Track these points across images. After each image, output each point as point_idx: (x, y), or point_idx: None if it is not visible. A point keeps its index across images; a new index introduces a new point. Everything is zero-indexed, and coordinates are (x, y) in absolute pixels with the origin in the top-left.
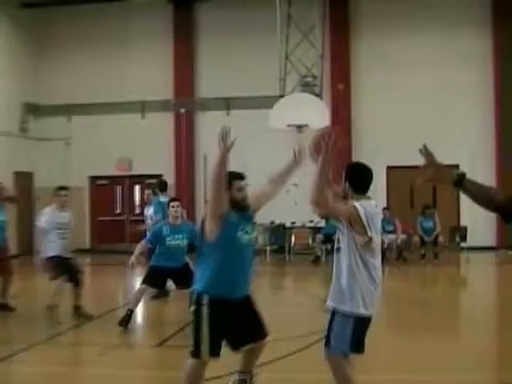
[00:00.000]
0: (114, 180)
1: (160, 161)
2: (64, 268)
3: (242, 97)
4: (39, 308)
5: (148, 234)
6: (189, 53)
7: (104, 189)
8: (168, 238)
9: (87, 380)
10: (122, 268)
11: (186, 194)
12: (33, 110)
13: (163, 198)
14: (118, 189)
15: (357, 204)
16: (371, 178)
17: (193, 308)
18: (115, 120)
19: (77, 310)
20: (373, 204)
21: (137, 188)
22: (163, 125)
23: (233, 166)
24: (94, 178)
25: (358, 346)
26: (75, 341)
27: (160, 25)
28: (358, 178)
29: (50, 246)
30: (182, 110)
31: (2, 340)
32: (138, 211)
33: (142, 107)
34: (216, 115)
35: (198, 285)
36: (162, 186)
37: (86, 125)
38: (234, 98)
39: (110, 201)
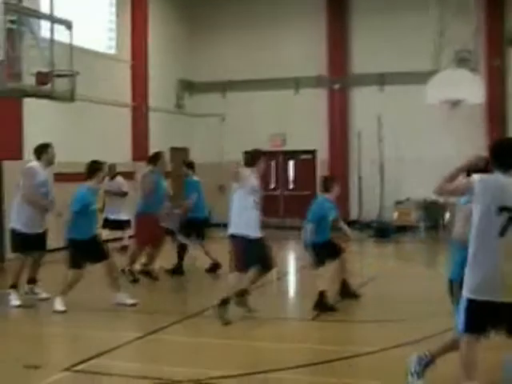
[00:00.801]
0: (268, 155)
1: (313, 137)
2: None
3: (396, 72)
4: (189, 282)
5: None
6: (342, 28)
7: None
8: (331, 212)
9: (240, 351)
10: (276, 242)
11: (339, 171)
12: (188, 86)
13: (196, 177)
14: (273, 164)
15: (476, 177)
16: None
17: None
18: (269, 96)
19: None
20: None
21: (291, 163)
22: (317, 101)
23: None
24: None
25: (474, 327)
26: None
27: (313, 0)
28: (500, 155)
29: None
30: (336, 86)
31: (158, 311)
32: (292, 186)
33: (296, 83)
34: (369, 90)
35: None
36: (192, 166)
37: (240, 101)
38: (387, 73)
39: (264, 176)
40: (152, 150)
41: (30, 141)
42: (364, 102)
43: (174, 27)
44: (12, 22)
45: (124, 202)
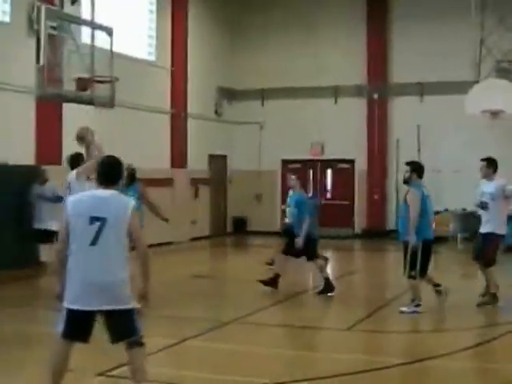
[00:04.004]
0: (306, 163)
1: (352, 146)
2: None
3: (436, 82)
4: (229, 288)
5: None
6: (382, 37)
7: (296, 172)
8: None
9: (278, 359)
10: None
11: (378, 179)
12: (227, 94)
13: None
14: (310, 172)
15: None
16: None
17: None
18: (308, 104)
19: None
20: None
21: (329, 172)
22: (356, 110)
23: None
24: (286, 162)
25: None
26: (266, 321)
27: (353, 9)
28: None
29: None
30: (375, 96)
31: (196, 318)
32: (329, 196)
33: (335, 92)
34: (409, 100)
35: None
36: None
37: (279, 109)
38: (427, 82)
39: (302, 184)
40: (190, 158)
41: (69, 146)
42: (403, 112)
43: (213, 34)
44: (53, 28)
45: (55, 210)
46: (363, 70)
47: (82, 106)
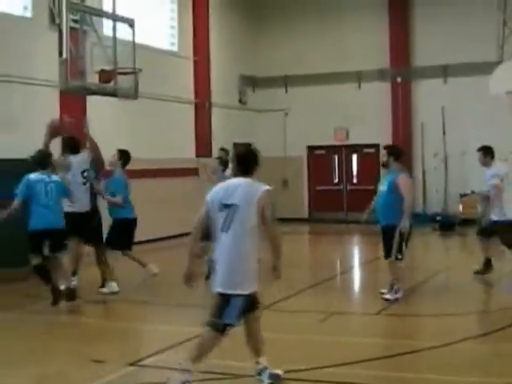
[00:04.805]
0: (332, 149)
1: (377, 130)
2: None
3: (459, 63)
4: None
5: None
6: (405, 20)
7: (322, 158)
8: None
9: (307, 346)
10: (340, 237)
11: (403, 163)
12: (251, 82)
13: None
14: (336, 158)
15: None
16: None
17: None
18: (332, 90)
19: None
20: None
21: (354, 157)
22: (380, 94)
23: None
24: (311, 148)
25: None
26: (295, 307)
27: None
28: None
29: None
30: (399, 79)
31: None
32: (355, 181)
33: (359, 77)
34: (433, 83)
35: None
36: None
37: (303, 95)
38: (451, 64)
39: (327, 170)
40: (215, 146)
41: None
42: (427, 95)
43: (235, 23)
44: (75, 21)
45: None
46: (386, 54)
47: (106, 98)
